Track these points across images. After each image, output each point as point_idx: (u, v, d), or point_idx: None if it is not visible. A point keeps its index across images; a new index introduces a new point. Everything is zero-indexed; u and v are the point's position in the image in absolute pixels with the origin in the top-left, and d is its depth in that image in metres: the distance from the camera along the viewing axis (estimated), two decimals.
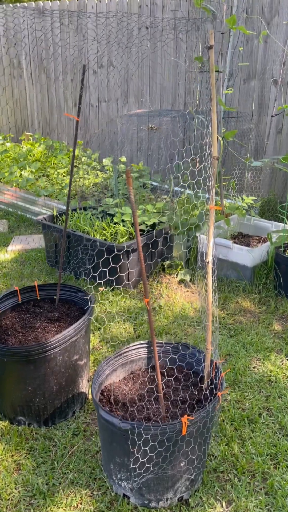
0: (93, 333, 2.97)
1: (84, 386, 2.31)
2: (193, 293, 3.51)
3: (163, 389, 1.94)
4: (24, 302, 2.51)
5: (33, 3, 6.86)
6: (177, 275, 3.68)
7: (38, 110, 7.06)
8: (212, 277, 1.79)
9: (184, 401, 1.90)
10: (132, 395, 1.95)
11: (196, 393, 1.95)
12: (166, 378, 2.00)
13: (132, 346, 2.10)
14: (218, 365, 1.94)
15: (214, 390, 1.88)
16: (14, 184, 5.04)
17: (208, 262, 1.83)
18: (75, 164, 5.75)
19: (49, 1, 6.40)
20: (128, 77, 5.71)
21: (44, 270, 3.82)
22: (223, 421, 2.27)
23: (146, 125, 4.84)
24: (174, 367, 2.10)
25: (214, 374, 1.93)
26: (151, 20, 5.23)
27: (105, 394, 1.92)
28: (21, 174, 5.19)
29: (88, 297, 2.40)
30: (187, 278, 3.63)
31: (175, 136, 4.66)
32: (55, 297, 2.53)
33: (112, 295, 3.40)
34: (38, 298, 2.55)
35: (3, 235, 4.52)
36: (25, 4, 6.91)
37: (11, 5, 7.17)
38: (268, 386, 2.53)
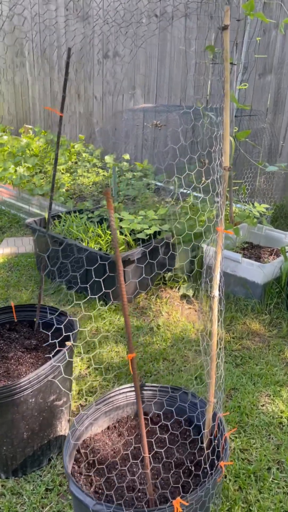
0: (81, 357, 2.63)
1: (63, 428, 1.97)
2: (196, 310, 3.15)
3: (153, 448, 1.59)
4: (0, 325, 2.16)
5: None
6: (179, 289, 3.33)
7: (40, 102, 6.70)
8: (219, 318, 1.44)
9: (179, 463, 1.55)
10: (115, 452, 1.61)
11: (195, 453, 1.60)
12: (158, 434, 1.65)
13: (119, 389, 1.75)
14: (222, 420, 1.58)
15: (216, 449, 1.54)
16: (8, 181, 4.69)
17: (213, 297, 1.48)
18: (75, 160, 5.40)
19: None
20: (134, 68, 5.33)
21: (33, 278, 3.48)
22: (226, 477, 1.92)
23: (151, 121, 4.46)
24: (168, 422, 1.75)
25: (216, 430, 1.58)
26: (160, 7, 4.84)
27: (82, 451, 1.58)
28: (15, 170, 4.84)
29: (72, 322, 2.05)
30: (190, 293, 3.27)
31: (183, 134, 4.29)
32: (34, 319, 2.18)
33: (105, 311, 3.05)
34: (15, 320, 2.20)
35: None
36: None
37: None
38: (279, 432, 2.17)
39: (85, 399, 2.33)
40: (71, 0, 5.70)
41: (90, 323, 2.94)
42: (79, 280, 3.15)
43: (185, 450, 1.61)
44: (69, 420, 2.03)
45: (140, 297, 3.24)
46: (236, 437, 2.13)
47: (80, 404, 2.29)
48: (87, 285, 3.08)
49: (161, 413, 1.73)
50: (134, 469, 1.55)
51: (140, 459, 1.54)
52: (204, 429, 1.58)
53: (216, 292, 1.47)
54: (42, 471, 1.90)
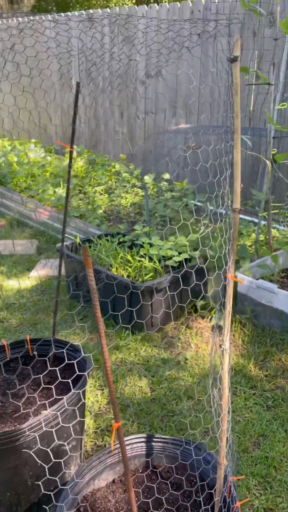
0: (102, 390, 2.53)
1: (72, 473, 1.87)
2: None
3: (161, 506, 1.45)
4: (13, 359, 2.12)
5: (83, 11, 6.62)
6: (210, 319, 3.16)
7: (85, 123, 6.80)
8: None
9: None
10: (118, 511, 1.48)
11: None
12: (167, 491, 1.51)
13: (127, 440, 1.63)
14: (234, 486, 1.42)
15: None
16: (47, 203, 4.75)
17: (224, 350, 1.34)
18: (113, 180, 5.39)
19: (99, 10, 6.12)
20: (177, 88, 5.27)
21: (63, 303, 3.45)
22: None
23: (187, 142, 4.36)
24: (183, 478, 1.61)
25: (228, 495, 1.42)
26: (203, 25, 4.76)
27: (81, 510, 1.47)
28: (54, 191, 4.90)
29: (85, 358, 1.96)
30: (222, 323, 3.09)
31: (220, 156, 4.14)
32: (49, 354, 2.12)
33: (131, 341, 2.94)
34: (31, 354, 2.15)
35: (29, 258, 4.22)
36: (76, 13, 6.69)
37: (62, 14, 7.00)
38: None
39: (102, 438, 2.22)
40: (116, 26, 5.77)
41: (114, 353, 2.84)
42: (107, 308, 3.07)
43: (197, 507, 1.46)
44: (79, 465, 1.93)
45: (169, 326, 3.11)
46: (261, 494, 1.93)
47: (96, 443, 2.19)
48: (115, 313, 2.99)
49: (172, 466, 1.59)
50: None
51: None
52: (216, 496, 1.43)
53: (227, 345, 1.33)
54: None
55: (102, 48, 6.12)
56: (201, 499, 1.50)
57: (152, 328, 3.01)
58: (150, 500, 1.50)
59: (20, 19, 7.55)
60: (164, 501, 1.47)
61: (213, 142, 4.43)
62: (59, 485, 1.81)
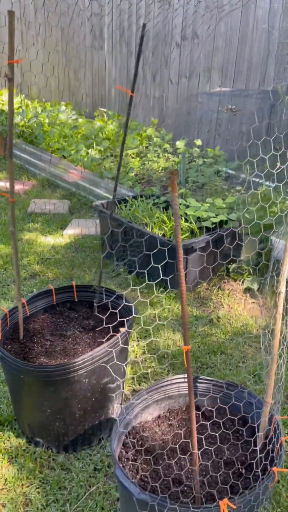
0: (138, 342, 2.63)
1: (115, 411, 1.98)
2: (259, 305, 3.02)
3: (202, 444, 1.54)
4: (59, 304, 2.21)
5: None
6: (243, 281, 3.20)
7: (116, 85, 6.72)
8: (284, 316, 1.34)
9: (229, 463, 1.49)
10: (164, 442, 1.58)
11: (247, 455, 1.52)
12: (209, 430, 1.60)
13: (172, 379, 1.71)
14: (279, 423, 1.49)
15: (270, 453, 1.45)
16: (79, 163, 4.78)
17: (280, 293, 1.38)
18: (145, 145, 5.37)
19: None
20: (213, 51, 5.16)
21: (97, 260, 3.53)
22: (278, 482, 1.82)
23: (226, 105, 4.30)
24: (221, 420, 1.69)
25: (272, 434, 1.50)
26: None
27: (131, 437, 1.57)
28: (87, 152, 4.91)
29: (130, 306, 2.03)
30: (255, 286, 3.14)
31: (259, 120, 4.09)
32: (94, 301, 2.20)
33: (164, 298, 3.02)
34: (76, 300, 2.23)
35: (62, 217, 4.29)
36: None
37: None
38: None
39: (139, 384, 2.32)
40: None
41: (148, 309, 2.92)
42: (140, 265, 3.13)
43: (236, 450, 1.55)
44: (121, 404, 2.04)
45: (201, 287, 3.17)
46: None
47: (133, 389, 2.29)
48: (148, 271, 3.06)
49: (213, 409, 1.67)
50: (182, 463, 1.51)
51: (188, 454, 1.50)
52: (258, 432, 1.50)
53: (283, 288, 1.37)
54: (92, 450, 1.93)
55: (137, 4, 5.98)
56: (245, 436, 1.58)
57: (185, 286, 3.07)
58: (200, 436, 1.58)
59: None
60: (205, 439, 1.55)
61: (253, 106, 4.35)
62: (103, 419, 1.92)
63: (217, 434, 1.55)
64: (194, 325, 2.80)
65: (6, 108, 6.47)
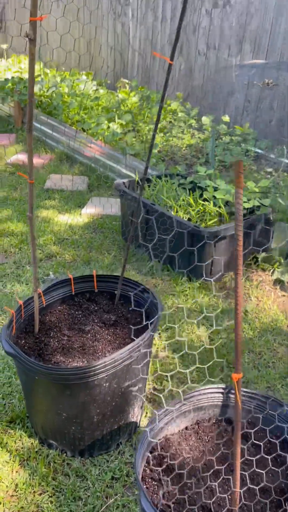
0: (159, 334, 2.45)
1: (135, 414, 1.82)
2: None
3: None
4: (78, 294, 2.03)
5: None
6: (272, 272, 2.99)
7: (140, 55, 6.37)
8: None
9: (266, 490, 1.32)
10: (192, 459, 1.41)
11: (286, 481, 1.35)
12: (246, 455, 1.42)
13: (203, 389, 1.53)
14: None
15: None
16: (100, 138, 4.53)
17: None
18: (169, 120, 5.08)
19: None
20: (246, 20, 4.78)
21: (116, 242, 3.34)
22: None
23: (260, 79, 3.98)
24: (259, 440, 1.51)
25: None
26: None
27: (155, 454, 1.40)
28: (108, 126, 4.65)
29: (156, 302, 1.85)
30: (285, 278, 2.93)
31: None
32: (115, 292, 2.02)
33: (188, 288, 2.82)
34: (96, 290, 2.05)
35: (81, 194, 4.08)
36: None
37: None
38: None
39: (161, 383, 2.16)
40: None
41: (171, 299, 2.74)
42: (164, 252, 2.93)
43: (275, 475, 1.37)
44: (142, 407, 1.88)
45: (228, 276, 2.97)
46: None
47: (154, 387, 2.13)
48: (172, 258, 2.86)
49: (251, 429, 1.50)
50: (213, 484, 1.35)
51: (221, 479, 1.33)
52: None
53: None
54: (109, 456, 1.78)
55: None
56: (286, 460, 1.41)
57: (210, 277, 2.87)
58: (229, 450, 1.41)
59: None
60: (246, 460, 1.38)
61: (285, 81, 4.03)
62: (123, 424, 1.76)
63: (253, 458, 1.37)
64: (219, 319, 2.61)
65: (24, 76, 6.19)
